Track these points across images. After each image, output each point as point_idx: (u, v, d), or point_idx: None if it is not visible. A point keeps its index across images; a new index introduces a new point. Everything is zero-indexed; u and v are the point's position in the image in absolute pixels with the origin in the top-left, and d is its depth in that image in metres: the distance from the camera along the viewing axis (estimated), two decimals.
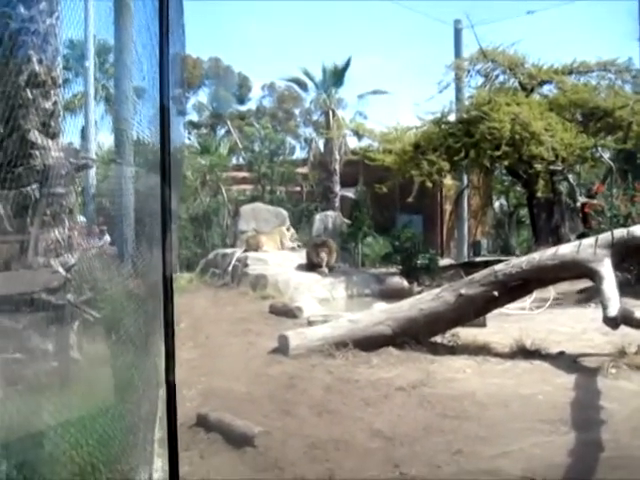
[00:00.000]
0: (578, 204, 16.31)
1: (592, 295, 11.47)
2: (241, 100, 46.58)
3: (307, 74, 27.80)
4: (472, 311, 8.63)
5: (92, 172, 11.66)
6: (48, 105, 7.03)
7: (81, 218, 10.46)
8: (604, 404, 6.15)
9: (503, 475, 4.59)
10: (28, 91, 6.77)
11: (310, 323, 9.81)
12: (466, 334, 8.85)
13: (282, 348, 8.36)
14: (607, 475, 4.54)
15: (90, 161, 10.44)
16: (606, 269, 7.95)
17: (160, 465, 4.95)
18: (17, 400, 3.48)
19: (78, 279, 7.81)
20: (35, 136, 6.77)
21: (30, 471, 3.30)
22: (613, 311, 7.29)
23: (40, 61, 6.89)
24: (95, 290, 7.72)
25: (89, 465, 3.68)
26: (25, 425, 3.44)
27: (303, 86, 29.24)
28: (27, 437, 3.43)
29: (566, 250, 8.55)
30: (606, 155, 17.43)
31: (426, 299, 8.82)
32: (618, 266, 8.54)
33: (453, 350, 8.43)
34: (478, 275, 8.64)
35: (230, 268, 15.98)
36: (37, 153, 6.71)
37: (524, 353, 8.11)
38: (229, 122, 34.72)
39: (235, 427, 5.49)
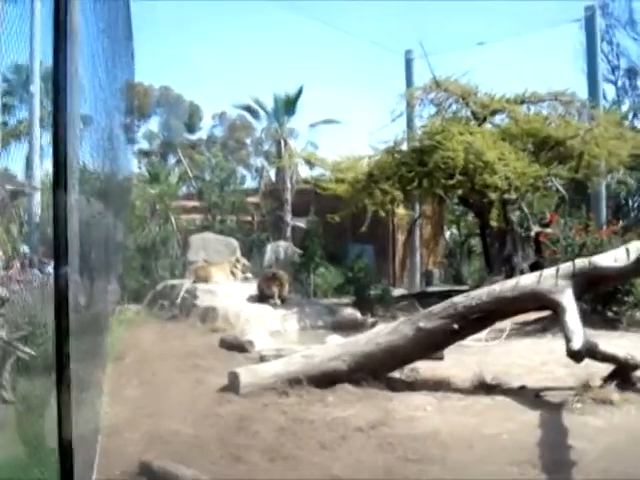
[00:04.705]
0: (532, 233, 16.26)
1: (547, 325, 11.33)
2: (192, 129, 46.58)
3: (258, 103, 27.72)
4: (432, 345, 8.32)
5: (36, 200, 11.11)
6: None
7: (24, 248, 9.88)
8: (572, 443, 5.85)
9: None
10: None
11: (262, 358, 9.36)
12: (424, 368, 8.52)
13: (232, 386, 7.90)
14: None
15: (28, 188, 9.93)
16: (568, 300, 7.73)
17: None
18: None
19: (13, 314, 7.25)
20: None
21: None
22: (577, 344, 7.03)
23: None
24: (33, 325, 7.17)
25: None
26: None
27: (255, 114, 29.10)
28: None
29: (527, 281, 8.31)
30: (558, 184, 17.54)
31: (383, 332, 8.47)
32: (579, 297, 8.34)
33: (412, 386, 8.08)
34: (437, 307, 8.33)
35: (179, 300, 15.41)
36: None
37: (485, 388, 7.80)
38: (179, 151, 34.35)
39: (181, 477, 5.03)
